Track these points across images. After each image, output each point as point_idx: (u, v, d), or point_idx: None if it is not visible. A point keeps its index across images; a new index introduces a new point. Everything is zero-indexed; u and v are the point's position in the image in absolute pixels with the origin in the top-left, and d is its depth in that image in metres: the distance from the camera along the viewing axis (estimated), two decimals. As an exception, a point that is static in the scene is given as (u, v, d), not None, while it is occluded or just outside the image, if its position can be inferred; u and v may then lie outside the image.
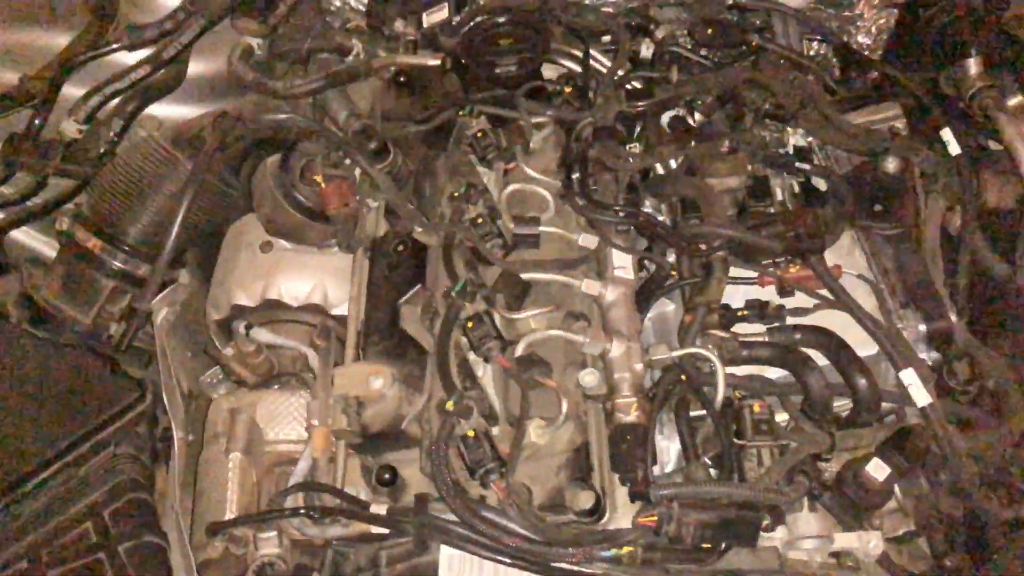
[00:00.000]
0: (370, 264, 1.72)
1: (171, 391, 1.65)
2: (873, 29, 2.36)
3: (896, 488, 1.56)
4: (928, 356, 1.69)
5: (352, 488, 1.56)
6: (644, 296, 1.72)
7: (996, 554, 1.60)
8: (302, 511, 1.46)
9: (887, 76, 2.02)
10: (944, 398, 1.67)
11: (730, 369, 1.64)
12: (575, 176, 1.73)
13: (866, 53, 2.35)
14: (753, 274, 1.72)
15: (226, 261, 1.89)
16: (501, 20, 1.90)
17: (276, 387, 1.78)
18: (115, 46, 1.83)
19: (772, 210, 1.72)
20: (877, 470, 1.46)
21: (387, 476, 1.50)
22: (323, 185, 1.74)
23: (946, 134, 1.94)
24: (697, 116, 1.94)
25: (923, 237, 1.78)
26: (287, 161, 1.77)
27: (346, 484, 1.57)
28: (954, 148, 1.93)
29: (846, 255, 1.77)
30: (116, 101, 1.79)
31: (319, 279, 1.82)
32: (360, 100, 1.99)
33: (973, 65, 2.15)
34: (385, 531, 1.45)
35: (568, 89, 1.88)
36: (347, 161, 1.78)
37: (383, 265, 1.70)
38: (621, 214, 1.67)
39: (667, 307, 1.79)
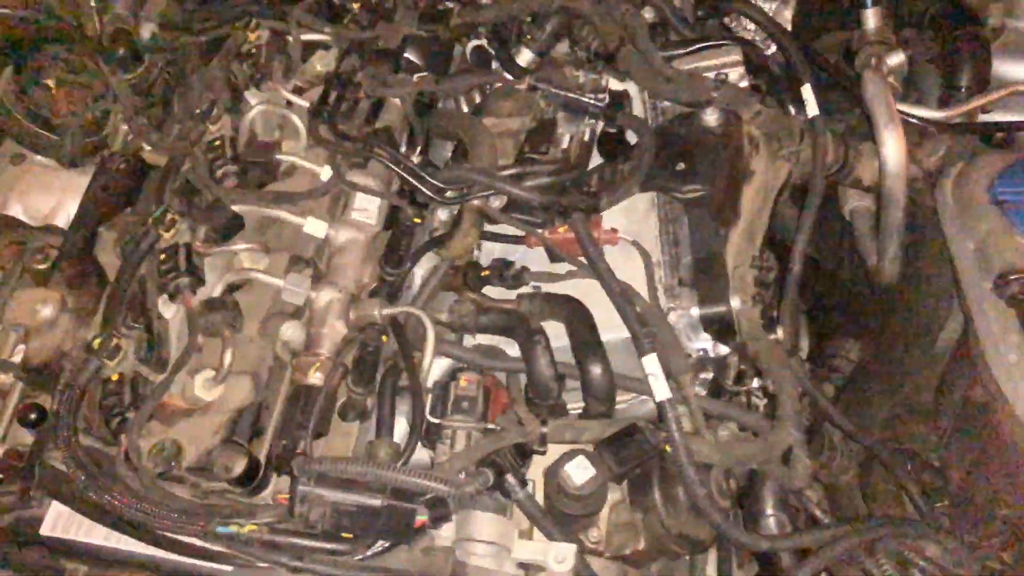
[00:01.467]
0: (92, 181, 1.53)
1: None
2: (780, -24, 2.04)
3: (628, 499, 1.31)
4: (712, 347, 1.42)
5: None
6: (397, 246, 1.49)
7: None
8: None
9: (753, 19, 1.72)
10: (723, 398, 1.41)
11: (481, 338, 1.43)
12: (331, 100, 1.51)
13: (771, 5, 2.04)
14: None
15: (-18, 174, 1.74)
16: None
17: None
18: None
19: (546, 158, 1.45)
20: (577, 470, 1.20)
21: (32, 416, 1.32)
22: (54, 90, 1.56)
23: (806, 91, 1.64)
24: (527, 51, 1.69)
25: (740, 206, 1.49)
26: (23, 63, 1.59)
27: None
28: (812, 109, 1.62)
29: (641, 220, 1.50)
30: None
31: (62, 197, 1.65)
32: (158, 7, 1.80)
33: (870, 17, 1.83)
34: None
35: (357, 6, 1.65)
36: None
37: (100, 184, 1.51)
38: (358, 146, 1.43)
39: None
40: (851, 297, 1.79)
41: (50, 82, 1.57)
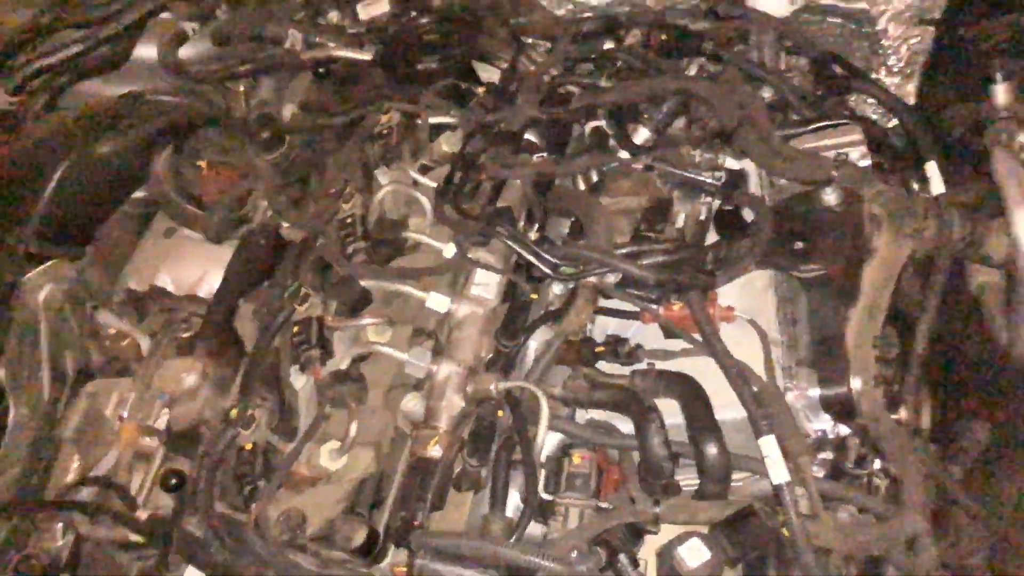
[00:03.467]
0: (234, 256, 1.65)
1: (31, 366, 1.64)
2: (903, 50, 2.01)
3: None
4: (832, 428, 1.38)
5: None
6: (514, 319, 1.53)
7: None
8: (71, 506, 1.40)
9: (874, 96, 1.71)
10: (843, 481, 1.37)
11: (593, 413, 1.44)
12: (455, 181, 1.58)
13: (893, 79, 2.02)
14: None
15: (140, 245, 1.88)
16: (425, 18, 1.78)
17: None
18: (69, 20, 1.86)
19: (661, 236, 1.47)
20: (691, 553, 1.19)
21: (173, 481, 1.40)
22: (204, 170, 1.69)
23: (931, 168, 1.61)
24: (644, 130, 1.73)
25: (861, 284, 1.46)
26: (181, 145, 1.74)
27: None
28: (937, 186, 1.59)
29: (758, 297, 1.50)
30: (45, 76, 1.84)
31: (207, 269, 1.76)
32: (300, 91, 1.94)
33: (1000, 92, 1.78)
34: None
35: (482, 90, 1.73)
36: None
37: (242, 259, 1.62)
38: (480, 225, 1.48)
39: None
40: (980, 375, 1.71)
41: (202, 163, 1.71)
